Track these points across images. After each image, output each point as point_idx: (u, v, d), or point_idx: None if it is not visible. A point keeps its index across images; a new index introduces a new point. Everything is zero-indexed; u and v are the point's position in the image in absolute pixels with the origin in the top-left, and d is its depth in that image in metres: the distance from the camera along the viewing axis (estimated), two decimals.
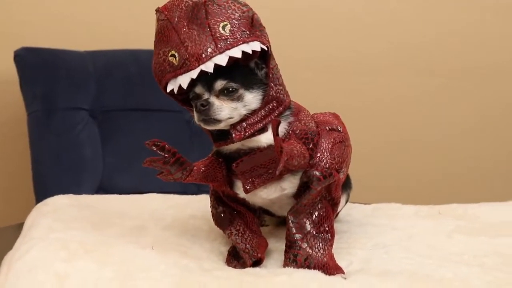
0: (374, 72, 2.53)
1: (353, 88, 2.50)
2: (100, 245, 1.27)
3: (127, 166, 2.08)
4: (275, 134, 1.12)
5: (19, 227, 1.56)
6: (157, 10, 1.23)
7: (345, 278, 1.22)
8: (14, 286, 1.13)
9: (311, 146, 1.26)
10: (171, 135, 2.15)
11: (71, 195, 1.56)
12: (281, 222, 1.43)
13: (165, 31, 1.21)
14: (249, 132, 1.21)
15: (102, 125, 2.10)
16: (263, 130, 1.22)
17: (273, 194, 1.29)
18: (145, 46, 2.11)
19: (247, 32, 1.20)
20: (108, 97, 2.12)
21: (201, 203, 1.54)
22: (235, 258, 1.30)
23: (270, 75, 1.23)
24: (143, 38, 2.09)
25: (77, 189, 1.90)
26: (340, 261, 1.28)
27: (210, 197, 1.36)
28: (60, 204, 1.50)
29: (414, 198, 1.78)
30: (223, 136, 1.23)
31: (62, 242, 1.26)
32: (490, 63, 2.63)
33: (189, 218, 1.48)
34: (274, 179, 1.26)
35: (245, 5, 1.22)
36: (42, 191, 1.96)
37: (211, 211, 1.36)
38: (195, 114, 1.22)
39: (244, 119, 1.22)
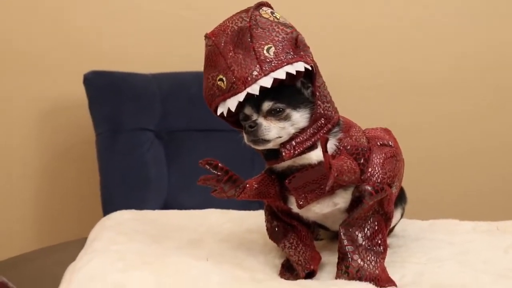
0: (429, 89, 2.54)
1: (406, 105, 2.51)
2: (156, 256, 1.31)
3: (191, 185, 2.05)
4: (324, 150, 1.15)
5: (85, 240, 1.64)
6: (205, 36, 1.27)
7: None
8: None
9: (362, 161, 1.28)
10: (233, 154, 2.13)
11: (133, 210, 1.62)
12: (335, 236, 1.43)
13: (213, 56, 1.25)
14: (299, 150, 1.24)
15: (168, 145, 2.16)
16: (312, 147, 1.25)
17: (326, 209, 1.31)
18: None
19: (291, 53, 1.22)
20: (172, 118, 2.17)
21: (258, 218, 1.55)
22: (288, 271, 1.32)
23: (317, 94, 1.25)
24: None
25: (143, 207, 1.96)
26: (393, 275, 1.29)
27: (265, 212, 1.39)
28: (123, 218, 1.56)
29: (472, 214, 1.76)
30: (274, 154, 1.26)
31: (121, 253, 1.32)
32: None
33: (245, 232, 1.51)
34: (326, 194, 1.27)
35: (290, 26, 1.25)
36: (110, 209, 1.96)
37: (266, 225, 1.39)
38: (245, 135, 1.26)
39: (293, 137, 1.24)
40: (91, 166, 2.24)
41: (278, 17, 1.25)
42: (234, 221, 1.57)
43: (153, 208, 1.95)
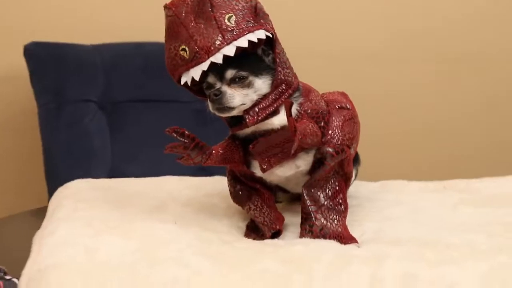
0: (381, 59, 2.62)
1: (357, 75, 2.59)
2: (122, 222, 1.34)
3: (134, 155, 2.17)
4: (289, 115, 1.19)
5: (33, 212, 1.64)
6: (165, 7, 1.30)
7: (358, 247, 1.29)
8: (47, 260, 1.19)
9: (322, 124, 1.33)
10: (178, 124, 2.16)
11: (89, 179, 1.62)
12: (295, 198, 1.51)
13: (174, 26, 1.27)
14: (262, 116, 1.28)
15: (111, 116, 2.18)
16: (275, 112, 1.29)
17: (288, 171, 1.36)
18: (150, 39, 2.25)
19: (252, 21, 1.26)
20: (115, 89, 2.20)
21: (215, 184, 1.62)
22: (254, 232, 1.37)
23: (277, 60, 1.29)
24: (147, 30, 2.21)
25: (87, 176, 2.00)
26: (353, 232, 1.36)
27: (227, 177, 1.43)
28: (81, 187, 1.56)
29: (420, 175, 1.84)
30: (238, 121, 1.29)
31: (87, 220, 1.34)
32: (495, 49, 2.74)
33: (205, 196, 1.54)
34: (289, 157, 1.32)
35: None
36: (54, 179, 2.04)
37: (229, 190, 1.43)
38: (209, 103, 1.29)
39: (256, 104, 1.28)
40: (32, 138, 2.24)
41: None
42: (192, 187, 1.60)
43: (98, 177, 1.99)
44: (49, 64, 2.14)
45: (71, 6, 2.34)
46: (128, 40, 2.29)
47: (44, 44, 2.15)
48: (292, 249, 1.23)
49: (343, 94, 1.44)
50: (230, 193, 1.43)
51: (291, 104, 1.24)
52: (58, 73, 2.14)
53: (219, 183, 1.57)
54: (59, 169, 2.09)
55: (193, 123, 2.23)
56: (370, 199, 1.54)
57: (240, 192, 1.40)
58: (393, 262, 1.17)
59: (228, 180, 1.43)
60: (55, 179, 2.03)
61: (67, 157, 2.10)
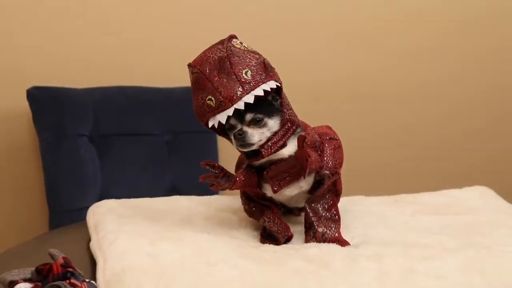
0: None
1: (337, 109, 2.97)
2: (167, 232, 1.58)
3: (119, 180, 2.47)
4: (301, 146, 1.51)
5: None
6: (190, 65, 1.56)
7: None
8: (118, 264, 1.40)
9: (319, 152, 1.62)
10: (152, 153, 2.57)
11: (114, 199, 1.85)
12: (287, 212, 1.80)
13: (200, 81, 1.52)
14: (274, 148, 1.55)
15: (99, 147, 2.47)
16: (284, 145, 1.57)
17: (294, 191, 1.64)
18: (130, 83, 2.63)
19: (264, 74, 1.52)
20: (103, 124, 2.50)
21: (219, 201, 1.88)
22: (268, 238, 1.65)
23: (283, 104, 1.57)
24: (128, 76, 2.68)
25: (83, 199, 2.34)
26: (345, 237, 1.64)
27: (241, 197, 1.71)
28: (112, 205, 1.78)
29: (366, 191, 2.13)
30: (254, 153, 1.57)
31: (137, 231, 1.57)
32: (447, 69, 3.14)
33: (218, 211, 1.80)
34: (295, 180, 1.61)
35: (257, 53, 1.56)
36: (55, 202, 2.38)
37: (244, 207, 1.70)
38: (234, 141, 1.55)
39: (269, 139, 1.55)
40: (31, 167, 2.54)
41: (246, 46, 1.56)
42: (203, 204, 1.85)
43: (92, 199, 2.26)
44: (49, 105, 2.44)
45: (65, 55, 2.65)
46: (113, 84, 2.61)
47: (44, 88, 2.44)
48: (309, 251, 1.52)
49: (329, 127, 1.74)
50: (245, 210, 1.70)
51: (304, 138, 1.53)
52: (56, 113, 2.44)
53: (222, 200, 1.85)
54: (60, 193, 2.39)
55: (165, 152, 2.60)
56: (346, 211, 1.79)
57: (254, 209, 1.68)
58: (392, 259, 1.46)
59: (242, 199, 1.71)
60: (57, 201, 2.37)
61: (66, 184, 2.39)
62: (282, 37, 2.91)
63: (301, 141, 1.52)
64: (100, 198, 2.14)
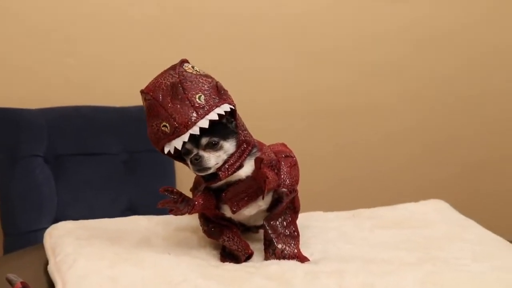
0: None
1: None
2: (127, 253, 1.56)
3: (76, 201, 2.45)
4: (258, 167, 1.53)
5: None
6: (142, 92, 1.56)
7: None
8: None
9: (275, 171, 1.62)
10: (109, 173, 2.56)
11: (71, 221, 1.83)
12: (245, 230, 1.79)
13: (154, 107, 1.52)
14: (231, 170, 1.56)
15: (55, 168, 2.46)
16: (240, 166, 1.58)
17: (253, 211, 1.65)
18: (85, 103, 2.64)
19: (217, 98, 1.52)
20: (58, 145, 2.49)
21: (177, 220, 1.85)
22: (228, 257, 1.66)
23: (238, 125, 1.58)
24: (83, 96, 2.68)
25: (39, 221, 2.33)
26: (304, 254, 1.65)
27: (200, 219, 1.71)
28: (69, 227, 1.76)
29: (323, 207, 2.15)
30: (211, 176, 1.58)
31: (97, 253, 1.55)
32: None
33: (177, 231, 1.79)
34: (253, 200, 1.62)
35: (209, 76, 1.57)
36: (10, 225, 2.37)
37: (203, 229, 1.70)
38: (191, 166, 1.56)
39: (225, 161, 1.56)
40: None
41: (198, 70, 1.56)
42: (161, 224, 1.84)
43: (47, 222, 2.25)
44: (2, 126, 2.44)
45: (20, 75, 2.65)
46: (67, 104, 2.60)
47: None
48: (270, 269, 1.53)
49: (284, 145, 1.74)
50: (204, 231, 1.70)
51: (262, 160, 1.54)
52: (10, 134, 2.44)
53: (180, 220, 1.84)
54: (15, 215, 2.37)
55: (122, 171, 2.59)
56: (305, 227, 1.80)
57: (213, 229, 1.68)
58: (351, 275, 1.48)
59: (200, 221, 1.71)
60: (12, 224, 2.36)
61: (21, 205, 2.37)
62: (241, 54, 2.94)
63: (259, 163, 1.53)
64: (56, 220, 2.13)
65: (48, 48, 2.66)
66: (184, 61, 1.57)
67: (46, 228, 1.79)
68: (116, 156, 2.58)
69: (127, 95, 2.62)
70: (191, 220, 1.85)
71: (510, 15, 3.31)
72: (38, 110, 2.51)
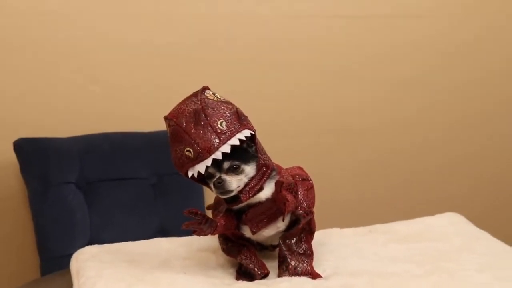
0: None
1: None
2: (145, 275, 1.65)
3: (108, 224, 2.56)
4: (279, 191, 1.60)
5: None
6: (166, 118, 1.63)
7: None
8: None
9: (293, 194, 1.68)
10: (139, 197, 2.66)
11: (96, 245, 1.93)
12: (261, 248, 1.84)
13: (177, 133, 1.59)
14: (252, 193, 1.62)
15: (87, 194, 2.56)
16: (261, 189, 1.64)
17: (271, 232, 1.71)
18: (114, 129, 2.73)
19: (238, 124, 1.58)
20: (89, 171, 2.59)
21: (200, 241, 1.92)
22: (243, 275, 1.72)
23: (258, 149, 1.64)
24: (112, 123, 2.77)
25: (73, 245, 2.39)
26: (317, 270, 1.71)
27: (219, 238, 1.78)
28: (94, 252, 1.85)
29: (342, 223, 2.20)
30: (234, 198, 1.64)
31: (116, 276, 1.64)
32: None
33: (198, 251, 1.87)
34: (272, 221, 1.68)
35: (230, 103, 1.63)
36: (46, 250, 2.47)
37: (222, 247, 1.77)
38: (214, 189, 1.62)
39: (246, 184, 1.62)
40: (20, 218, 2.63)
41: (219, 97, 1.63)
42: (184, 246, 1.92)
43: (82, 246, 2.32)
44: (35, 156, 2.53)
45: (49, 105, 2.74)
46: (97, 132, 2.70)
47: (30, 140, 2.53)
48: (281, 285, 1.61)
49: (300, 168, 1.80)
50: (223, 249, 1.77)
51: (282, 183, 1.61)
52: (42, 163, 2.53)
53: (202, 240, 1.90)
54: (50, 241, 2.47)
55: (151, 194, 2.69)
56: (321, 244, 1.86)
57: (231, 248, 1.75)
58: None
59: (220, 240, 1.78)
60: (46, 249, 2.46)
61: (55, 230, 2.48)
62: (262, 76, 3.00)
63: (279, 186, 1.60)
64: (89, 243, 2.22)
65: (73, 77, 2.76)
66: (205, 88, 1.64)
67: None
68: (146, 180, 2.68)
69: (154, 120, 2.70)
70: (213, 240, 1.93)
71: None
72: (68, 139, 2.62)
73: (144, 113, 2.82)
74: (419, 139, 3.30)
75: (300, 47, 3.04)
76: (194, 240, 1.95)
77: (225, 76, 2.87)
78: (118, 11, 2.79)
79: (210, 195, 2.65)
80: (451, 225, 2.10)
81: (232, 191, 1.61)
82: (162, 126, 2.70)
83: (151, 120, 2.74)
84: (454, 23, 3.25)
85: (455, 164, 3.37)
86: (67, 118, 2.74)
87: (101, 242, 2.02)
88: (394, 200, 3.27)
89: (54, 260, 2.42)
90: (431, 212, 2.21)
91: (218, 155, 1.57)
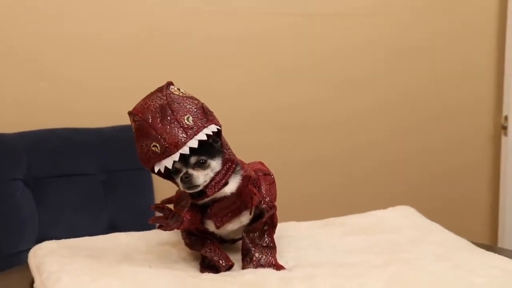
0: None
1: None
2: (108, 268, 1.62)
3: (57, 222, 2.53)
4: (246, 185, 1.64)
5: None
6: (131, 113, 1.61)
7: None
8: None
9: (256, 188, 1.70)
10: (88, 193, 2.64)
11: (54, 240, 1.88)
12: (221, 241, 1.83)
13: (144, 128, 1.58)
14: (218, 187, 1.63)
15: (35, 190, 2.53)
16: (226, 184, 1.64)
17: (235, 226, 1.72)
18: (61, 125, 2.70)
19: (204, 119, 1.59)
20: (37, 168, 2.56)
21: (157, 236, 1.93)
22: (207, 268, 1.73)
23: (223, 144, 1.65)
24: (59, 118, 2.74)
25: (21, 243, 2.39)
26: (279, 262, 1.74)
27: (182, 233, 1.78)
28: (52, 247, 1.81)
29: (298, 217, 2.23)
30: (199, 193, 1.64)
31: (79, 270, 1.60)
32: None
33: (158, 245, 1.86)
34: (235, 216, 1.70)
35: (195, 98, 1.63)
36: None
37: (185, 242, 1.77)
38: (180, 184, 1.62)
39: (212, 179, 1.63)
40: None
41: (184, 92, 1.63)
42: (143, 240, 1.91)
43: (30, 243, 2.30)
44: None
45: None
46: (43, 128, 2.67)
47: None
48: (246, 277, 1.61)
49: (261, 163, 1.83)
50: (186, 244, 1.77)
51: (249, 178, 1.65)
52: None
53: (160, 235, 1.91)
54: None
55: (101, 191, 2.67)
56: (279, 237, 1.86)
57: (195, 241, 1.75)
58: (321, 279, 1.57)
59: (183, 235, 1.78)
60: None
61: (3, 228, 2.44)
62: (215, 71, 3.04)
63: (247, 181, 1.63)
64: (38, 241, 2.17)
65: (20, 72, 2.73)
66: (170, 84, 1.64)
67: (28, 249, 1.86)
68: (94, 176, 2.66)
69: (102, 116, 2.71)
70: (171, 235, 1.93)
71: (479, 30, 3.47)
72: (14, 134, 2.58)
73: (92, 108, 2.80)
74: (371, 135, 3.38)
75: (253, 44, 3.09)
76: (151, 235, 1.95)
77: (178, 72, 2.87)
78: (65, 5, 2.77)
79: (160, 192, 2.66)
80: (403, 218, 2.14)
81: (199, 185, 1.61)
82: (110, 122, 2.73)
83: (99, 116, 2.73)
84: (402, 23, 3.34)
85: (407, 159, 3.46)
86: (14, 114, 2.71)
87: (49, 239, 1.97)
88: (347, 195, 3.34)
89: (2, 259, 2.39)
90: (383, 206, 2.25)
91: (185, 150, 1.57)
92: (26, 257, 1.82)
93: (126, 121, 2.71)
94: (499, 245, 3.41)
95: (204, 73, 2.97)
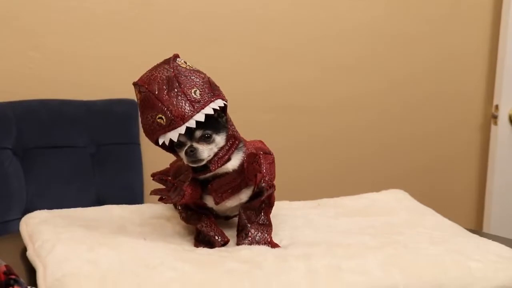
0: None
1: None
2: (105, 239, 1.61)
3: (45, 193, 2.51)
4: (251, 162, 1.64)
5: None
6: (136, 84, 1.59)
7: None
8: (59, 272, 1.43)
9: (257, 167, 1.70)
10: (77, 166, 2.62)
11: (46, 210, 1.86)
12: (216, 217, 1.82)
13: (149, 100, 1.56)
14: (221, 163, 1.62)
15: (24, 161, 2.51)
16: (229, 160, 1.64)
17: (234, 203, 1.72)
18: (52, 96, 2.68)
19: (211, 93, 1.58)
20: (26, 138, 2.55)
21: (150, 209, 1.93)
22: (202, 243, 1.71)
23: (228, 120, 1.65)
24: (50, 90, 2.71)
25: (8, 213, 2.36)
26: (274, 240, 1.73)
27: (178, 206, 1.78)
28: (44, 216, 1.80)
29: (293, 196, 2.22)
30: (202, 168, 1.63)
31: (76, 239, 1.59)
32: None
33: (152, 218, 1.85)
34: (235, 192, 1.69)
35: (201, 72, 1.62)
36: None
37: (181, 215, 1.76)
38: (184, 157, 1.60)
39: (215, 154, 1.62)
40: None
41: (191, 66, 1.62)
42: (136, 212, 1.89)
43: (16, 214, 2.28)
44: None
45: None
46: (35, 98, 2.66)
47: None
48: (242, 253, 1.60)
49: (262, 142, 1.81)
50: (183, 218, 1.76)
51: (255, 155, 1.65)
52: None
53: (155, 208, 1.92)
54: None
55: (89, 164, 2.65)
56: (273, 215, 1.82)
57: (191, 215, 1.74)
58: (318, 258, 1.55)
59: (178, 208, 1.78)
60: None
61: None
62: (203, 51, 2.98)
63: (252, 158, 1.63)
64: (25, 212, 2.16)
65: (12, 42, 2.70)
66: (176, 56, 1.62)
67: (15, 219, 1.86)
68: (84, 148, 2.64)
69: (94, 88, 2.67)
70: (164, 209, 1.93)
71: (471, 17, 3.46)
72: (5, 104, 2.55)
73: (84, 81, 2.77)
74: (361, 120, 3.36)
75: (243, 24, 3.07)
76: (145, 208, 1.95)
77: (170, 48, 2.81)
78: None
79: (149, 166, 2.64)
80: (396, 201, 2.14)
81: (203, 160, 1.61)
82: (101, 95, 2.69)
83: (90, 88, 2.70)
84: (395, 9, 3.33)
85: (398, 145, 3.47)
86: (5, 83, 2.67)
87: (36, 210, 1.96)
88: (340, 177, 3.34)
89: None
90: (370, 191, 2.25)
91: (192, 123, 1.56)
92: (13, 226, 1.81)
93: (117, 94, 2.72)
94: (484, 231, 3.43)
95: (195, 51, 2.93)
